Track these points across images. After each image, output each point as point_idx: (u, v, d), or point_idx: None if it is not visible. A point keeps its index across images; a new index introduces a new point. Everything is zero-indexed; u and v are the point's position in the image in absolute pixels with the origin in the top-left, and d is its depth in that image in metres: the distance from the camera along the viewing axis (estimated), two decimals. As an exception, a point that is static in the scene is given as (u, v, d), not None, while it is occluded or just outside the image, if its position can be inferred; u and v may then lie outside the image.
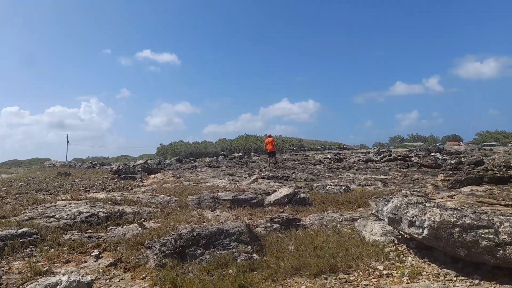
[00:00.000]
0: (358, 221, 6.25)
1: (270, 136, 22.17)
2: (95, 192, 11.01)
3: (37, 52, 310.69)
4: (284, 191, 8.73)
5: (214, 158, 31.44)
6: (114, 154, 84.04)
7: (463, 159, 21.17)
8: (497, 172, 12.51)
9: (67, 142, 66.67)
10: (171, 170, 21.63)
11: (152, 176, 18.17)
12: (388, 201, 5.24)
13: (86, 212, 6.98)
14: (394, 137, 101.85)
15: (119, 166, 16.56)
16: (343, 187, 10.04)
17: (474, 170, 13.19)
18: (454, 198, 10.17)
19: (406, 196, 5.29)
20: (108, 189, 11.89)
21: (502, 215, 4.44)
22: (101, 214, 6.90)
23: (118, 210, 7.26)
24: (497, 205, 9.31)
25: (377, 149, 29.03)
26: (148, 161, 29.14)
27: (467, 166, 18.89)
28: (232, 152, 55.42)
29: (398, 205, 4.82)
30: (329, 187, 10.07)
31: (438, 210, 4.36)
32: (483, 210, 5.10)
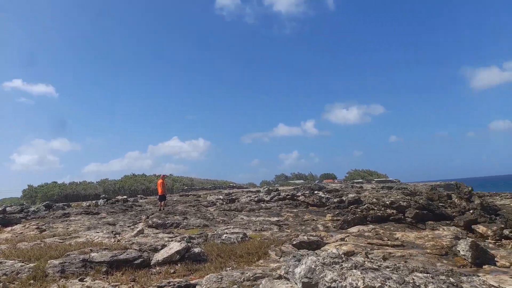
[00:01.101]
0: (263, 282, 5.34)
1: (163, 177, 20.13)
2: None
3: None
4: (175, 246, 7.40)
5: (94, 202, 27.64)
6: (-35, 199, 68.82)
7: (343, 198, 22.56)
8: (377, 211, 13.23)
9: None
10: (36, 220, 17.91)
11: (8, 229, 14.58)
12: (299, 260, 4.49)
13: None
14: (279, 175, 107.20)
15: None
16: (240, 235, 9.15)
17: (358, 210, 13.79)
18: (346, 240, 10.15)
19: (317, 254, 4.60)
20: None
21: (422, 273, 4.04)
22: None
23: None
24: (385, 246, 9.51)
25: (266, 188, 29.41)
26: (7, 208, 23.98)
27: (348, 205, 20.09)
28: (116, 194, 50.38)
29: (313, 266, 4.08)
30: (225, 236, 9.06)
31: (359, 273, 3.73)
32: (395, 265, 4.69)
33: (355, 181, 79.96)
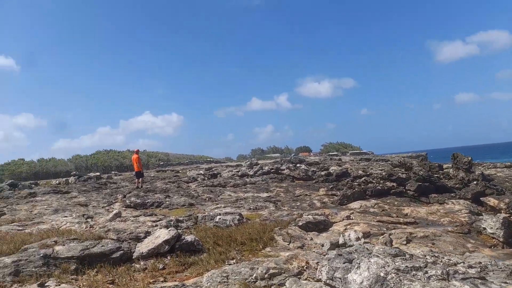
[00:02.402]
0: (287, 285, 4.03)
1: (137, 152, 18.30)
2: None
3: None
4: (162, 234, 5.93)
5: (64, 180, 25.44)
6: None
7: (330, 170, 21.63)
8: (377, 184, 12.19)
9: None
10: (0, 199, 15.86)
11: (-38, 212, 12.57)
12: (350, 261, 3.15)
13: None
14: (255, 150, 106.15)
15: None
16: (236, 217, 7.78)
17: (355, 183, 12.71)
18: (353, 218, 9.02)
19: (377, 253, 3.26)
20: None
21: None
22: None
23: None
24: (399, 224, 8.43)
25: (248, 162, 28.13)
26: (-34, 189, 21.54)
27: (337, 178, 19.12)
28: (89, 171, 47.67)
29: (382, 274, 2.75)
30: (219, 218, 7.66)
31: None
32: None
33: (330, 153, 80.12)
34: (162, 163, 58.59)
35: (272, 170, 23.02)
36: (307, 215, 8.27)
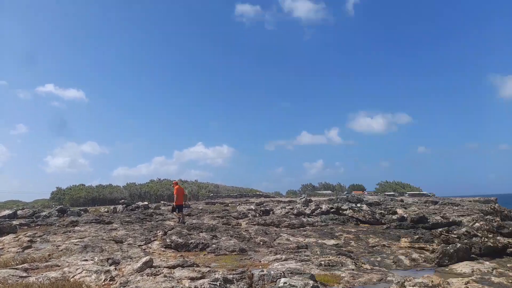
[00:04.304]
0: None
1: (176, 183, 16.05)
2: None
3: None
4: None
5: (112, 208, 24.50)
6: (3, 199, 67.92)
7: (403, 215, 18.32)
8: (486, 239, 9.06)
9: None
10: (38, 228, 14.76)
11: (-4, 240, 11.37)
12: None
13: None
14: (305, 185, 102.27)
15: None
16: (309, 283, 5.31)
17: (453, 236, 9.64)
18: (475, 292, 6.12)
19: None
20: None
21: None
22: None
23: None
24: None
25: (303, 199, 25.43)
26: (18, 211, 21.21)
27: (412, 223, 15.86)
28: (142, 199, 47.49)
29: None
30: (284, 283, 5.26)
31: None
32: None
33: (386, 193, 74.21)
34: (212, 194, 57.36)
35: (332, 210, 20.13)
36: (412, 285, 5.56)
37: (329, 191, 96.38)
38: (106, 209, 24.79)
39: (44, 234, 12.10)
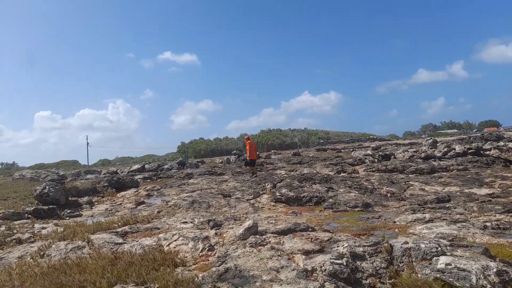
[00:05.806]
0: None
1: (247, 138, 15.72)
2: None
3: (66, 58, 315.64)
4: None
5: (226, 158, 25.09)
6: (142, 154, 79.56)
7: None
8: None
9: (87, 144, 62.40)
10: (163, 179, 15.50)
11: (122, 193, 12.04)
12: None
13: None
14: (426, 125, 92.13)
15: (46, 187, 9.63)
16: (486, 260, 3.36)
17: None
18: None
19: None
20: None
21: None
22: None
23: None
24: None
25: (430, 140, 21.72)
26: (146, 165, 23.24)
27: None
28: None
29: None
30: (446, 265, 3.44)
31: None
32: None
33: (532, 128, 61.34)
34: (322, 141, 55.65)
35: (470, 151, 16.49)
36: None
37: (455, 130, 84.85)
38: (220, 160, 25.54)
39: (161, 188, 12.38)
